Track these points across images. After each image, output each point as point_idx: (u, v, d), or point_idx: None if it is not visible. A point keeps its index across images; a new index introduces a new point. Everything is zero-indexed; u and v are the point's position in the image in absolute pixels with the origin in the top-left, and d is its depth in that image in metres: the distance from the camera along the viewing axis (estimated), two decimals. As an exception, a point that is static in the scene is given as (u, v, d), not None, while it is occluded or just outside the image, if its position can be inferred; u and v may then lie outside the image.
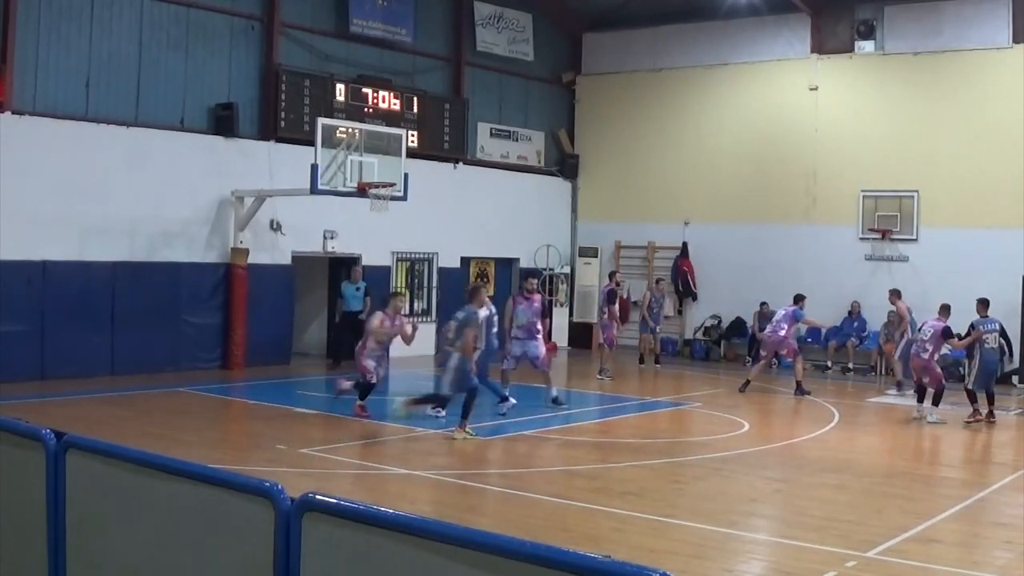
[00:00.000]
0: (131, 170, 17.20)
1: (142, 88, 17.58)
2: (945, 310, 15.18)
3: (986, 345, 14.79)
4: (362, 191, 17.09)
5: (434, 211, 21.51)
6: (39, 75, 16.27)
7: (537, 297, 15.56)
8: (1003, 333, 15.81)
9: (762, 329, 22.13)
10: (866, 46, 21.92)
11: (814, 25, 22.48)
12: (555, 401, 15.21)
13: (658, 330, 21.37)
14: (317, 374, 18.51)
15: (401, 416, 12.95)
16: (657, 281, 22.08)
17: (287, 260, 19.61)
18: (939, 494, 10.48)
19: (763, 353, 18.50)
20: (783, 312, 18.08)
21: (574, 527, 8.79)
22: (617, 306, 19.50)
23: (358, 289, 19.17)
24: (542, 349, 15.33)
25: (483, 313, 14.11)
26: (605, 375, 18.94)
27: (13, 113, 15.83)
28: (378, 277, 20.97)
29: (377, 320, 13.67)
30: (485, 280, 15.90)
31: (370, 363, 13.63)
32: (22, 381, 15.15)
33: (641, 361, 21.23)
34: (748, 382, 17.51)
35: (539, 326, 15.33)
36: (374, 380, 13.67)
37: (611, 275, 20.71)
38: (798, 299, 18.05)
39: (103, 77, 17.07)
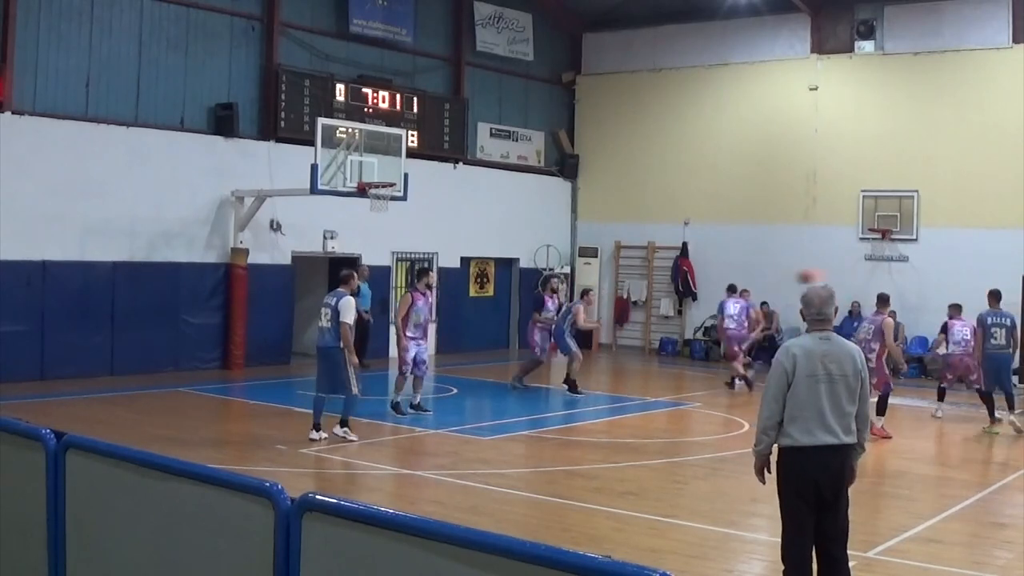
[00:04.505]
0: (131, 170, 17.20)
1: (142, 88, 17.58)
2: (884, 301, 14.16)
3: (993, 341, 14.44)
4: (362, 191, 17.09)
5: (434, 211, 21.51)
6: (39, 75, 16.26)
7: (431, 295, 14.36)
8: (1012, 329, 14.50)
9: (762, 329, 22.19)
10: (866, 46, 21.92)
11: (814, 25, 22.48)
12: (418, 407, 14.07)
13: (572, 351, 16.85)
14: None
15: None
16: (584, 293, 18.48)
17: (287, 260, 19.60)
18: (939, 494, 10.48)
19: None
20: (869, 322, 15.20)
21: (574, 527, 8.79)
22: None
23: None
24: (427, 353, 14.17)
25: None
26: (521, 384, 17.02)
27: (13, 113, 15.83)
28: (378, 277, 20.97)
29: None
30: (359, 266, 13.66)
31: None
32: (22, 381, 15.14)
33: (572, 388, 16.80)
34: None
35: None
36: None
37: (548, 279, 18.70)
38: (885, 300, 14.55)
39: (103, 77, 17.06)
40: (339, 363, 11.80)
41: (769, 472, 6.29)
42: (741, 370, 17.85)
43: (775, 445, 6.22)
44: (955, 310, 15.64)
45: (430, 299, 13.91)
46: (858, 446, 6.19)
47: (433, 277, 14.04)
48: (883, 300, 14.22)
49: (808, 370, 6.04)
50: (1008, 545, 8.47)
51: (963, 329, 15.21)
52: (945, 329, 15.62)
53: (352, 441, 11.90)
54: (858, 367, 6.14)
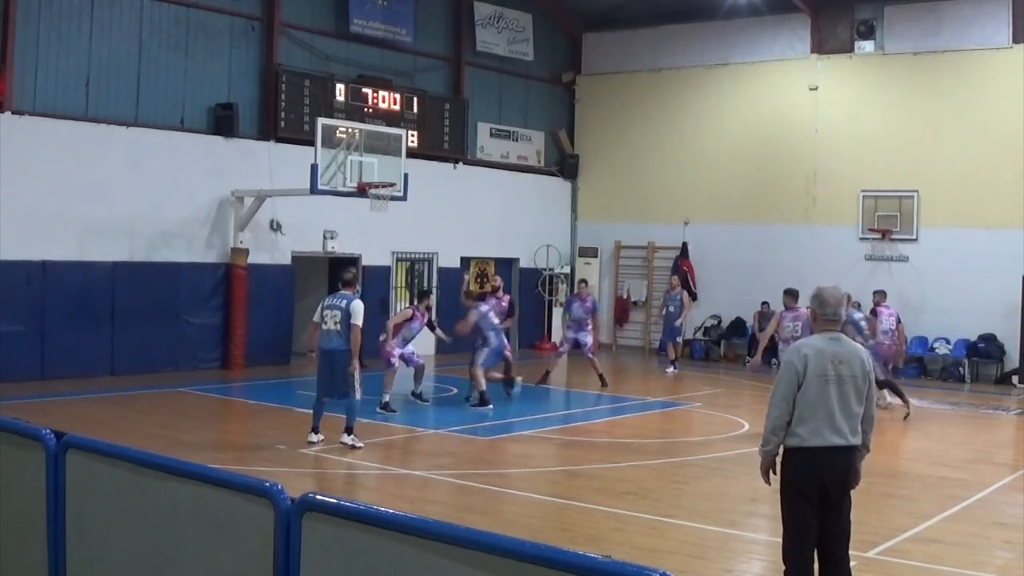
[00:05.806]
0: (131, 170, 17.20)
1: (142, 88, 17.58)
2: (794, 296, 13.83)
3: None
4: (362, 191, 17.09)
5: (434, 211, 21.52)
6: (39, 75, 16.27)
7: (427, 316, 15.23)
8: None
9: (762, 329, 22.20)
10: (866, 46, 21.92)
11: (814, 25, 22.48)
12: (418, 396, 15.15)
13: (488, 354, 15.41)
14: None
15: None
16: (492, 286, 17.13)
17: (287, 260, 19.61)
18: (939, 494, 10.47)
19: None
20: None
21: (574, 527, 8.79)
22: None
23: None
24: None
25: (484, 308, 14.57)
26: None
27: (13, 113, 15.84)
28: (378, 277, 20.98)
29: None
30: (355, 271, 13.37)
31: None
32: (22, 381, 15.15)
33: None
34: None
35: None
36: None
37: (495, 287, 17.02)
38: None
39: (103, 77, 17.06)
40: (346, 366, 11.51)
41: (775, 473, 6.28)
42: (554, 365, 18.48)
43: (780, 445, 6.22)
44: (881, 296, 15.99)
45: (425, 319, 14.94)
46: (863, 447, 6.19)
47: (433, 299, 14.60)
48: (793, 295, 13.87)
49: (819, 370, 6.04)
50: (1008, 545, 8.47)
51: (890, 318, 15.45)
52: (874, 315, 15.73)
53: (359, 448, 11.68)
54: (866, 368, 6.15)
